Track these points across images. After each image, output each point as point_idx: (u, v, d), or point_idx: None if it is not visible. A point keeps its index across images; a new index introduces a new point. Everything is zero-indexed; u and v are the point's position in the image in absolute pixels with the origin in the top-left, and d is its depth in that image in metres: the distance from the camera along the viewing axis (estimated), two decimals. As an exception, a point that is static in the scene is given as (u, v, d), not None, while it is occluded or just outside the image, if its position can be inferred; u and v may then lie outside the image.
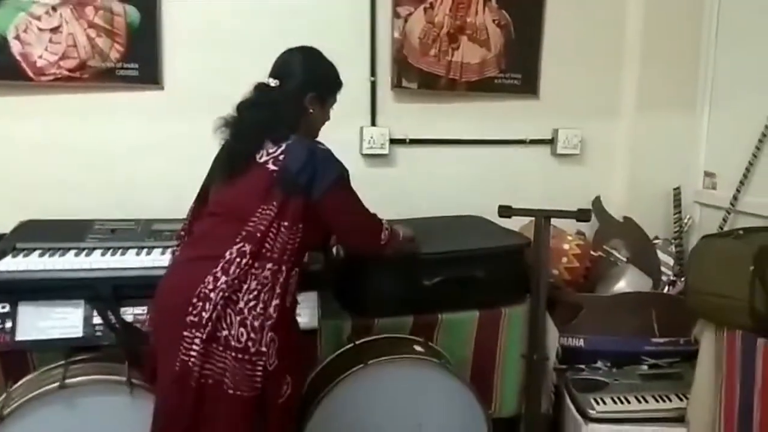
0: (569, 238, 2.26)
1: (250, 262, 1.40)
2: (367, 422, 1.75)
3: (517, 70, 2.36)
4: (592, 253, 2.32)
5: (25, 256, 1.71)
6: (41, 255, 1.71)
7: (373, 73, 2.23)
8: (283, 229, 1.43)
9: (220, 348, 1.37)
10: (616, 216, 2.47)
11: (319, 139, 1.60)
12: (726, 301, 1.62)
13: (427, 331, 1.94)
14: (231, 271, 1.39)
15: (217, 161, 1.57)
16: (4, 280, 1.64)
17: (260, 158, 1.47)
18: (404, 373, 1.75)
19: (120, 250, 1.75)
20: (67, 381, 1.56)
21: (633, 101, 2.48)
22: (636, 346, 2.11)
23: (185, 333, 1.37)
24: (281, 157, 1.46)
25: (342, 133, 2.21)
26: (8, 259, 1.68)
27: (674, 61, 2.43)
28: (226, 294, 1.38)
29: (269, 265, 1.41)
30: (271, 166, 1.46)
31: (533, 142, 2.45)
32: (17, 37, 1.96)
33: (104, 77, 2.04)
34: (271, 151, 1.47)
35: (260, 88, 1.55)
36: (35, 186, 2.03)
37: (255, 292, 1.39)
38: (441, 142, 2.34)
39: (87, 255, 1.72)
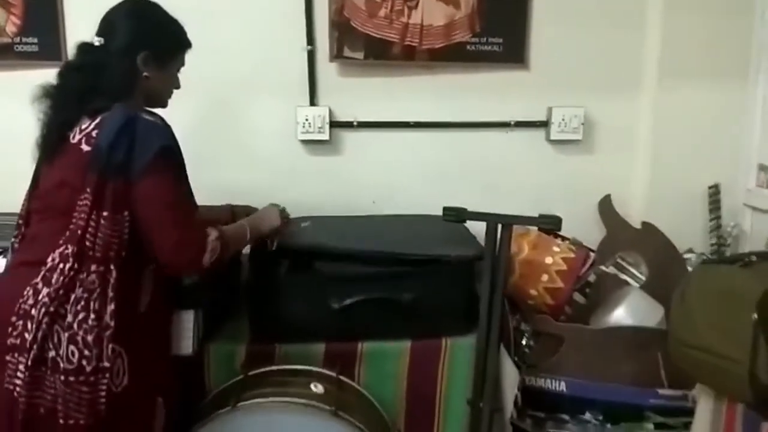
0: (555, 249, 1.77)
1: (75, 266, 1.19)
2: None
3: (498, 33, 1.90)
4: (586, 269, 1.81)
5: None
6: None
7: (309, 41, 1.86)
8: (102, 220, 1.20)
9: (48, 372, 1.18)
10: (631, 221, 1.94)
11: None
12: (721, 361, 1.11)
13: (345, 363, 1.58)
14: (54, 280, 1.19)
15: (36, 143, 1.33)
16: None
17: (73, 137, 1.24)
18: (283, 422, 1.39)
19: None
20: None
21: (656, 69, 1.93)
22: (637, 397, 1.64)
23: (7, 358, 1.20)
24: (94, 133, 1.22)
25: (274, 114, 1.90)
26: None
27: (715, 14, 1.83)
28: (51, 308, 1.18)
29: (93, 267, 1.20)
30: (84, 146, 1.23)
31: (520, 124, 1.98)
32: None
33: (2, 54, 1.83)
34: (84, 127, 1.24)
35: (83, 48, 1.31)
36: None
37: (83, 302, 1.19)
38: (396, 125, 1.95)
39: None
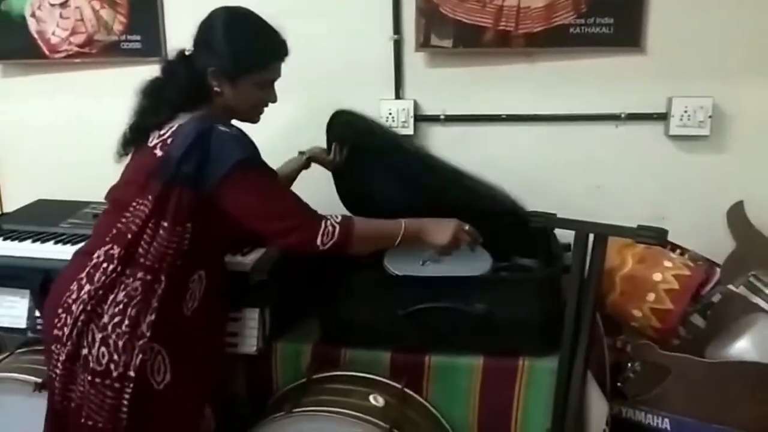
0: (667, 264, 1.54)
1: (119, 268, 1.23)
2: None
3: (608, 12, 1.69)
4: (709, 287, 1.55)
5: (-1, 238, 1.70)
6: (4, 239, 1.69)
7: (396, 29, 1.77)
8: (161, 230, 1.22)
9: (80, 368, 1.23)
10: (769, 233, 1.64)
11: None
12: None
13: (412, 375, 1.50)
14: (96, 279, 1.23)
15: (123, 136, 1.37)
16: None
17: (151, 141, 1.27)
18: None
19: (76, 240, 1.65)
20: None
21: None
22: (759, 447, 1.37)
23: (52, 347, 1.27)
24: (169, 141, 1.24)
25: (357, 109, 1.83)
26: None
27: None
28: (88, 307, 1.22)
29: (140, 274, 1.22)
30: (159, 152, 1.24)
31: (634, 117, 1.75)
32: (33, 15, 1.99)
33: (110, 51, 1.96)
34: (162, 132, 1.26)
35: (178, 54, 1.34)
36: (53, 165, 2.07)
37: (121, 305, 1.21)
38: (488, 118, 1.80)
39: (42, 242, 1.66)
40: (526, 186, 1.75)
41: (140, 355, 1.20)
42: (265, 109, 1.37)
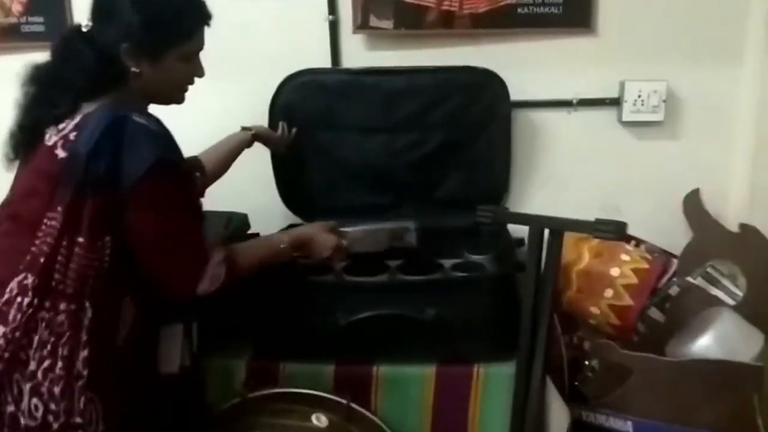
0: (624, 257, 1.47)
1: (35, 301, 1.02)
2: None
3: (557, -8, 1.58)
4: (666, 279, 1.49)
5: None
6: None
7: (331, 9, 1.63)
8: (77, 248, 1.03)
9: (6, 431, 1.02)
10: (726, 222, 1.59)
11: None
12: None
13: (358, 389, 1.37)
14: (11, 318, 1.02)
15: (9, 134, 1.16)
16: None
17: (49, 139, 1.07)
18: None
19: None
20: None
21: (763, 32, 1.55)
22: (723, 448, 1.31)
23: None
24: (72, 136, 1.04)
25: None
26: None
27: None
28: (6, 354, 1.01)
29: (63, 305, 1.03)
30: (60, 152, 1.05)
31: (585, 103, 1.68)
32: None
33: (8, 35, 1.74)
34: (62, 127, 1.06)
35: (72, 31, 1.13)
36: None
37: (49, 346, 1.02)
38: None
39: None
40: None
41: (82, 398, 1.02)
42: (190, 88, 1.19)
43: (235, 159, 1.49)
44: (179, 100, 1.20)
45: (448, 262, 1.56)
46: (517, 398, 1.29)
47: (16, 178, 1.15)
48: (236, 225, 1.63)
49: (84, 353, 1.03)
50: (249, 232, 1.66)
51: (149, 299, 1.18)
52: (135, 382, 1.16)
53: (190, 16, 1.13)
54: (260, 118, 1.62)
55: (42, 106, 1.09)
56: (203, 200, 1.33)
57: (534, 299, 1.26)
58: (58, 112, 1.07)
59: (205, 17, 1.15)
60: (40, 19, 1.74)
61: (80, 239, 1.02)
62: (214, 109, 1.72)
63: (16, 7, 1.74)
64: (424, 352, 1.35)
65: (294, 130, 1.63)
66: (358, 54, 1.67)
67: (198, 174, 1.35)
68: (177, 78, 1.16)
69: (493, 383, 1.34)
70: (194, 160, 1.39)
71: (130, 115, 1.04)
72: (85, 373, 1.03)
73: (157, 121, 1.09)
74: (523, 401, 1.30)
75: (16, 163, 1.14)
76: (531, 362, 1.28)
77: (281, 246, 1.25)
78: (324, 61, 1.68)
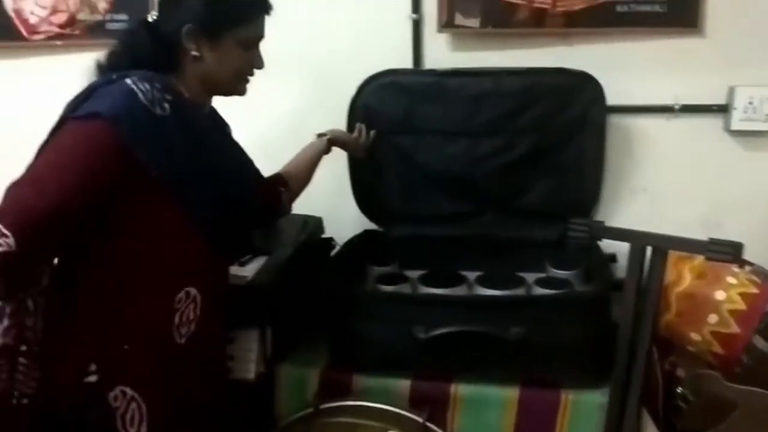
0: (731, 280, 1.34)
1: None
2: None
3: (661, -11, 1.47)
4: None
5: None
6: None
7: (415, 7, 1.57)
8: None
9: None
10: None
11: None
12: None
13: (435, 406, 1.31)
14: None
15: None
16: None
17: None
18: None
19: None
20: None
21: None
22: None
23: None
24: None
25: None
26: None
27: None
28: None
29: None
30: None
31: (689, 109, 1.55)
32: (9, -9, 1.80)
33: (94, 32, 1.77)
34: None
35: (136, 22, 1.14)
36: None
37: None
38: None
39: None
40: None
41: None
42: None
43: (316, 167, 1.45)
44: (239, 90, 1.18)
45: (530, 276, 1.48)
46: (611, 428, 1.20)
47: None
48: (311, 229, 1.61)
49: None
50: (323, 236, 1.63)
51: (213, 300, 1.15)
52: (197, 386, 1.14)
53: (251, 2, 1.13)
54: (338, 120, 1.58)
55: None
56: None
57: (633, 323, 1.17)
58: None
59: (265, 6, 1.15)
60: (125, 17, 1.76)
61: None
62: (291, 111, 1.71)
63: (102, 5, 1.77)
64: (507, 372, 1.28)
65: (372, 133, 1.58)
66: (442, 54, 1.61)
67: (282, 189, 1.34)
68: (235, 65, 1.13)
69: (583, 411, 1.25)
70: (277, 177, 1.37)
71: (124, 81, 1.00)
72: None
73: (142, 90, 1.00)
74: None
75: None
76: (626, 391, 1.19)
77: None
78: (405, 62, 1.63)
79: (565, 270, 1.49)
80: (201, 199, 1.08)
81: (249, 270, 1.36)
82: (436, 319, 1.26)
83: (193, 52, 1.08)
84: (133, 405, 1.02)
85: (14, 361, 1.00)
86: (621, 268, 1.36)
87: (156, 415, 1.04)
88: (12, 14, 1.81)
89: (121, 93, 0.99)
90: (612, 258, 1.47)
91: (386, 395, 1.31)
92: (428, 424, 1.28)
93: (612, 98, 1.51)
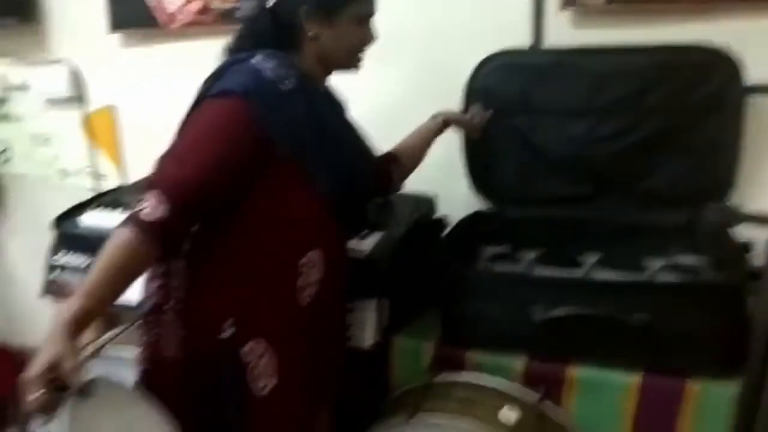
0: None
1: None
2: None
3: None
4: None
5: (112, 210, 1.73)
6: (125, 210, 1.70)
7: (539, -16, 1.56)
8: None
9: None
10: None
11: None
12: None
13: (550, 387, 1.31)
14: None
15: None
16: (86, 234, 1.69)
17: None
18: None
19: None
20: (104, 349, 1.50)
21: None
22: None
23: None
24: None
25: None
26: (95, 212, 1.74)
27: None
28: None
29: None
30: None
31: None
32: (150, -19, 1.96)
33: (226, 19, 1.89)
34: None
35: (257, 6, 1.18)
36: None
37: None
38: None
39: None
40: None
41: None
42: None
43: (428, 148, 1.49)
44: (354, 64, 1.23)
45: (653, 263, 1.43)
46: (742, 424, 1.14)
47: None
48: (424, 207, 1.64)
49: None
50: (435, 216, 1.66)
51: (336, 266, 1.22)
52: (321, 347, 1.22)
53: None
54: (452, 100, 1.59)
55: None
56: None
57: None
58: None
59: None
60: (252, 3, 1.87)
61: None
62: (404, 91, 1.73)
63: (232, -8, 1.89)
64: (629, 358, 1.25)
65: (488, 113, 1.58)
66: (563, 32, 1.57)
67: (394, 167, 1.39)
68: (351, 42, 1.19)
69: (711, 403, 1.19)
70: (389, 155, 1.42)
71: (252, 61, 1.09)
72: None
73: (270, 68, 1.08)
74: (748, 428, 1.14)
75: None
76: (761, 385, 1.12)
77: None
78: (524, 40, 1.60)
79: (692, 256, 1.42)
80: (324, 170, 1.15)
81: (367, 244, 1.41)
82: (554, 300, 1.25)
83: (311, 32, 1.14)
84: (263, 360, 1.11)
85: (162, 318, 1.12)
86: (755, 258, 1.28)
87: (283, 370, 1.12)
88: (152, 3, 1.98)
89: (249, 71, 1.08)
90: (746, 247, 1.38)
91: (499, 373, 1.32)
92: (542, 405, 1.28)
93: (755, 77, 1.41)
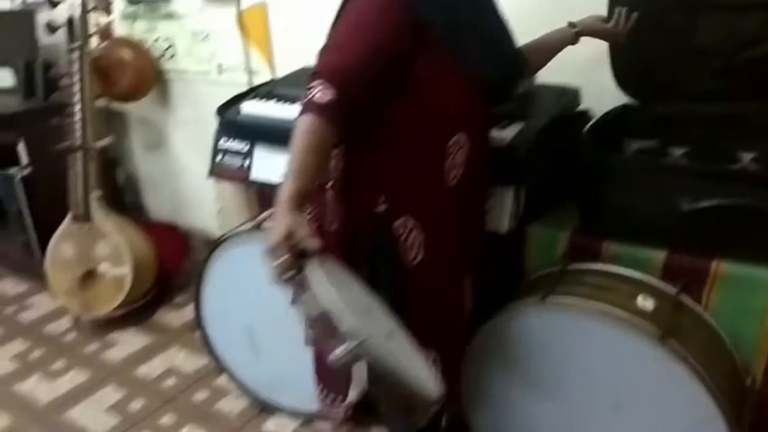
0: None
1: None
2: (540, 366, 1.38)
3: None
4: None
5: (267, 101, 1.86)
6: (278, 101, 1.84)
7: None
8: None
9: None
10: None
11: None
12: None
13: (691, 280, 1.32)
14: None
15: None
16: (245, 122, 1.84)
17: None
18: (594, 333, 1.24)
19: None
20: (263, 224, 1.71)
21: None
22: None
23: None
24: None
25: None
26: (253, 102, 1.87)
27: None
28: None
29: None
30: None
31: None
32: None
33: None
34: None
35: None
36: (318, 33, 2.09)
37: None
38: None
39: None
40: None
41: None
42: None
43: (555, 55, 1.44)
44: None
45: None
46: None
47: None
48: (568, 98, 1.62)
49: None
50: (579, 108, 1.63)
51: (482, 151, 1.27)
52: (464, 227, 1.29)
53: None
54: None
55: None
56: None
57: None
58: None
59: None
60: None
61: None
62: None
63: None
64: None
65: (634, 15, 1.44)
66: None
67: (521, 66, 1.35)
68: None
69: None
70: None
71: None
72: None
73: None
74: None
75: None
76: None
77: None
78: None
79: None
80: (476, 53, 1.17)
81: (508, 133, 1.44)
82: (703, 192, 1.22)
83: None
84: (414, 233, 1.21)
85: (323, 196, 1.25)
86: None
87: (431, 243, 1.22)
88: None
89: None
90: None
91: (637, 265, 1.34)
92: (681, 296, 1.29)
93: None
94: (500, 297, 1.44)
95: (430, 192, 1.22)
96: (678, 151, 1.46)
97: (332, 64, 1.09)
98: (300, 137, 1.04)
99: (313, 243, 0.97)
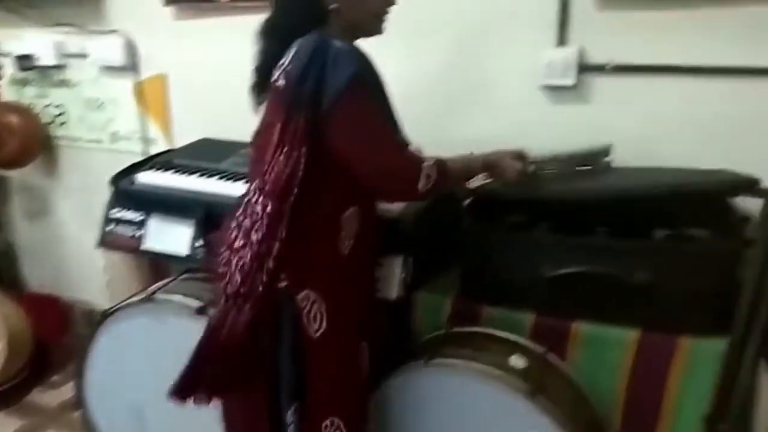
0: None
1: (251, 195, 1.31)
2: (428, 425, 1.49)
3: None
4: None
5: (165, 171, 1.91)
6: (175, 172, 1.89)
7: None
8: (281, 156, 1.24)
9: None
10: None
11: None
12: None
13: (555, 341, 1.49)
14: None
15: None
16: (141, 192, 1.87)
17: (274, 77, 1.28)
18: (473, 390, 1.37)
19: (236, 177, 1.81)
20: (155, 296, 1.72)
21: None
22: None
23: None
24: (289, 67, 1.25)
25: (514, 56, 1.81)
26: (149, 172, 1.91)
27: None
28: (234, 232, 1.33)
29: (260, 198, 1.27)
30: (281, 82, 1.26)
31: None
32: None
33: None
34: (281, 63, 1.27)
35: None
36: (218, 106, 2.20)
37: (244, 229, 1.29)
38: (665, 70, 1.66)
39: (207, 177, 1.83)
40: (707, 147, 1.63)
41: (258, 275, 1.25)
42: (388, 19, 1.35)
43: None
44: (380, 29, 1.35)
45: (660, 232, 1.57)
46: (727, 375, 1.30)
47: (261, 117, 1.38)
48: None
49: (276, 244, 1.24)
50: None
51: (373, 220, 1.40)
52: (360, 295, 1.41)
53: None
54: (485, 79, 1.74)
55: (269, 53, 1.31)
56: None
57: (759, 276, 1.25)
58: (280, 53, 1.27)
59: None
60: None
61: (285, 148, 1.22)
62: (422, 75, 1.87)
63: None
64: (628, 316, 1.40)
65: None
66: (589, 14, 1.68)
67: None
68: (373, 6, 1.31)
69: (700, 359, 1.35)
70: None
71: (330, 41, 1.22)
72: (270, 262, 1.24)
73: (355, 46, 1.28)
74: (732, 379, 1.29)
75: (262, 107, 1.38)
76: (746, 340, 1.27)
77: (479, 162, 1.39)
78: (551, 21, 1.74)
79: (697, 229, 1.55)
80: None
81: (396, 206, 1.59)
82: (562, 261, 1.41)
83: (332, 6, 1.27)
84: (316, 305, 1.30)
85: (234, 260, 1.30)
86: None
87: (333, 313, 1.32)
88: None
89: (346, 53, 1.22)
90: (746, 219, 1.51)
91: (511, 327, 1.50)
92: (548, 356, 1.46)
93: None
94: (392, 360, 1.54)
95: (327, 262, 1.32)
96: (543, 225, 1.67)
97: (393, 162, 1.28)
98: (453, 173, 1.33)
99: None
